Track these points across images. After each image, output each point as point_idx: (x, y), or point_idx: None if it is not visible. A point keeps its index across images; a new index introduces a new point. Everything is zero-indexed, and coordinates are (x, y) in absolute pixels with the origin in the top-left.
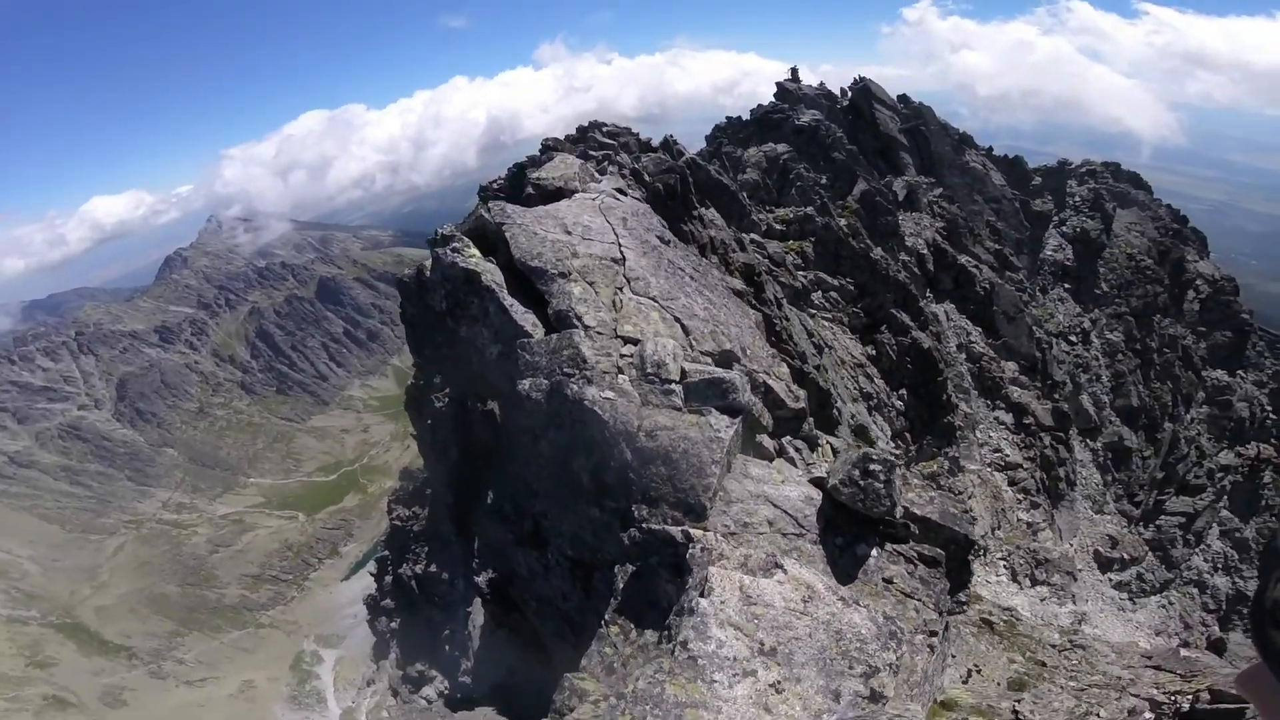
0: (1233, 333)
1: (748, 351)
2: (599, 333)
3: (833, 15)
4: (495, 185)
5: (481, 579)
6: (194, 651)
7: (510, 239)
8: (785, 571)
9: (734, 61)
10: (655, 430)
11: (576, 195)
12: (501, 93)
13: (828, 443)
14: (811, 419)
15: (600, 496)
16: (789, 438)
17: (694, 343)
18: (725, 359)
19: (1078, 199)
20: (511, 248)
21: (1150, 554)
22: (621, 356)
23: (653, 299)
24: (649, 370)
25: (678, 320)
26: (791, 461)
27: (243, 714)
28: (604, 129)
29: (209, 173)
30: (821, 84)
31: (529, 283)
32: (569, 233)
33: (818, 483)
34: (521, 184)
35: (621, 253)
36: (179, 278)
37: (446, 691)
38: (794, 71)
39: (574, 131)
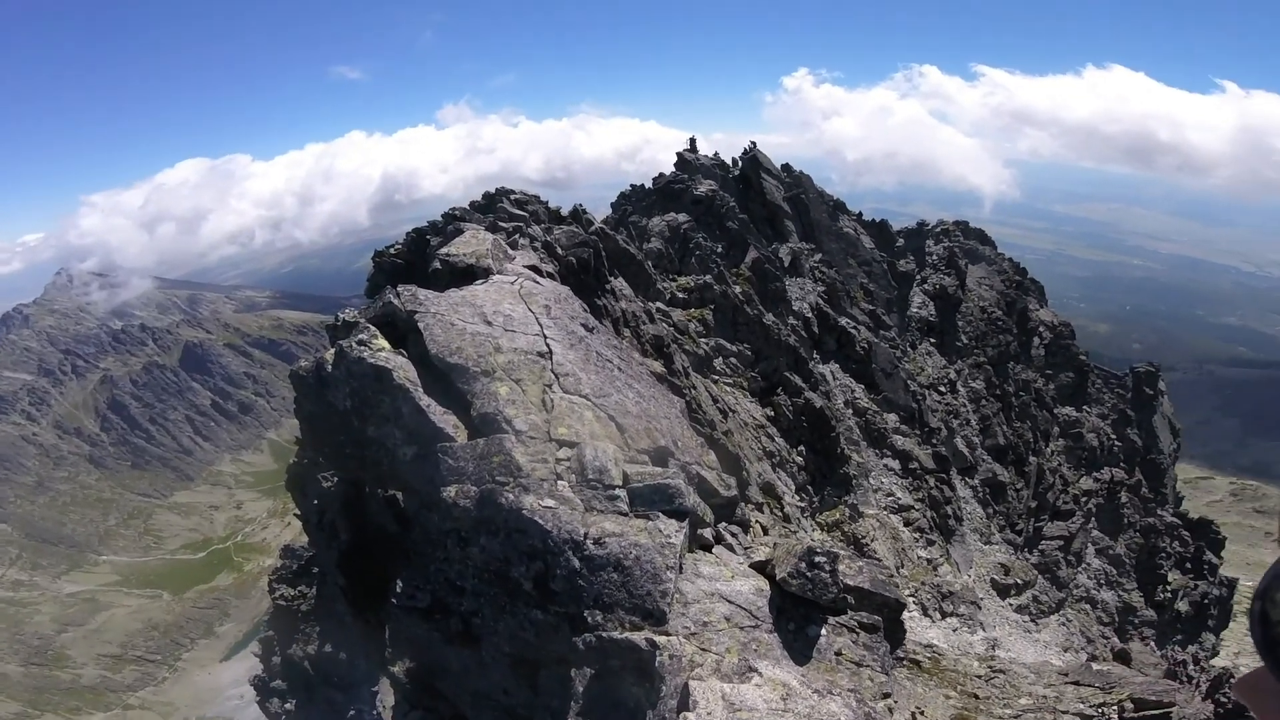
0: (1074, 373)
1: (679, 444)
2: (531, 437)
3: (723, 84)
4: (392, 251)
5: (398, 669)
6: None
7: (425, 330)
8: (760, 674)
9: (636, 129)
10: (603, 537)
11: (493, 278)
12: (400, 150)
13: (756, 521)
14: (743, 504)
15: (545, 601)
16: (724, 524)
17: (630, 441)
18: (660, 455)
19: (935, 257)
20: (427, 342)
21: (1040, 577)
22: (558, 461)
23: (585, 397)
24: (590, 477)
25: (612, 419)
26: (730, 548)
27: None
28: (512, 197)
29: (64, 221)
30: (716, 154)
31: (447, 380)
32: (489, 323)
33: (760, 567)
34: (422, 251)
35: (548, 345)
36: (17, 338)
37: None
38: (692, 142)
39: (480, 198)
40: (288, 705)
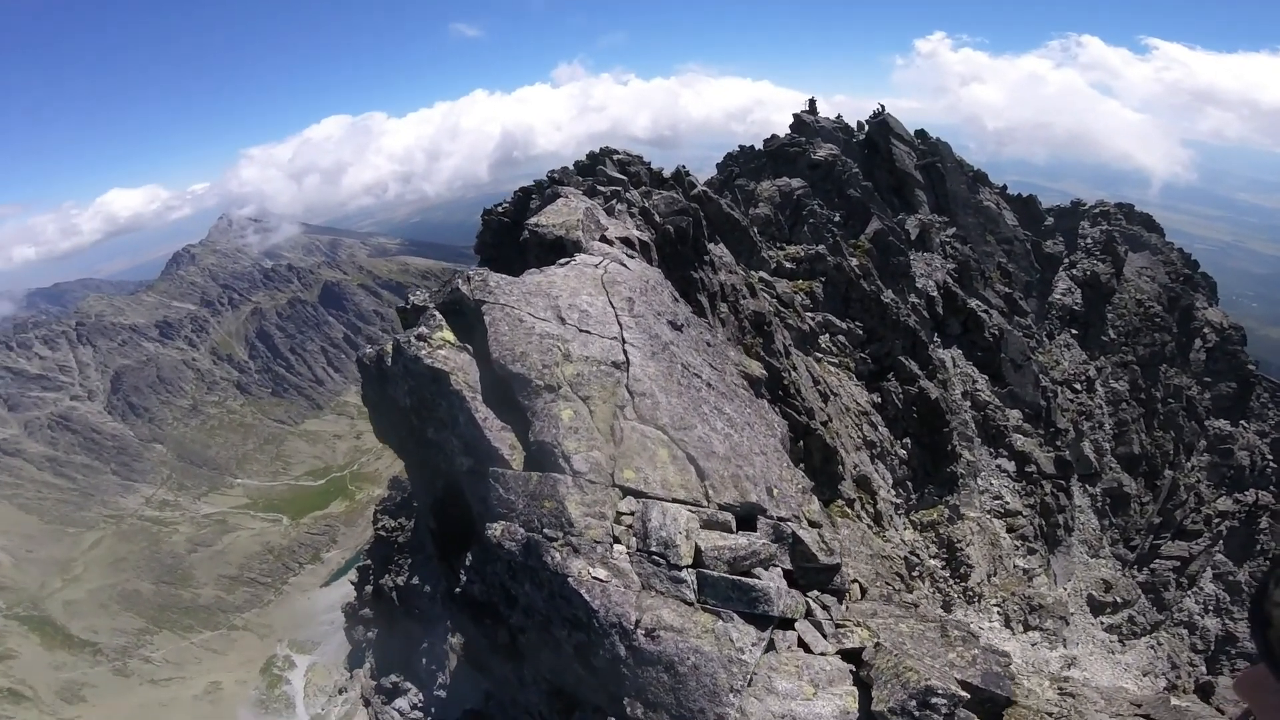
0: (1238, 383)
1: (776, 490)
2: (591, 480)
3: (847, 45)
4: (500, 209)
5: (456, 641)
6: (162, 651)
7: (490, 326)
8: None
9: (748, 89)
10: (657, 630)
11: (577, 260)
12: (518, 108)
13: (855, 582)
14: (841, 574)
15: (585, 664)
16: (816, 592)
17: (712, 492)
18: (749, 512)
19: (1089, 241)
20: (490, 342)
21: (1143, 597)
22: (619, 516)
23: (662, 428)
24: (654, 548)
25: (692, 461)
26: (818, 626)
27: (206, 715)
28: (615, 157)
29: (226, 172)
30: (839, 117)
31: (509, 387)
32: (563, 320)
33: (852, 658)
34: (525, 210)
35: (626, 353)
36: (185, 274)
37: (420, 705)
38: (811, 103)
39: (584, 158)
40: (370, 634)
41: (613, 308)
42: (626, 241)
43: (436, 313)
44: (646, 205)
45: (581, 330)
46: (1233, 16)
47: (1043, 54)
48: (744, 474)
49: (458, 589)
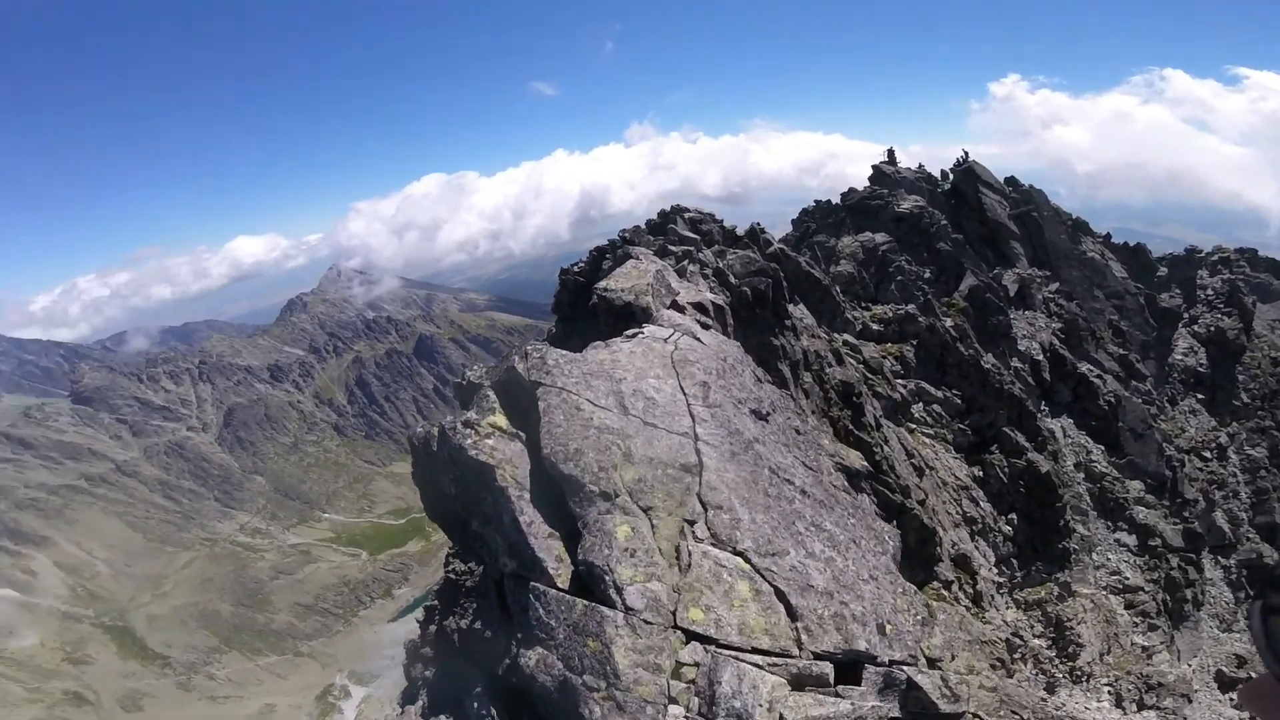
0: None
1: (888, 627)
2: (646, 621)
3: (918, 93)
4: (576, 269)
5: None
6: (228, 670)
7: (544, 415)
8: None
9: (818, 142)
10: None
11: (647, 331)
12: (594, 167)
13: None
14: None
15: None
16: None
17: (806, 636)
18: (853, 660)
19: (1210, 292)
20: (542, 434)
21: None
22: (678, 669)
23: (742, 553)
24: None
25: (782, 598)
26: None
27: None
28: (686, 215)
29: (337, 224)
30: (920, 166)
31: (562, 487)
32: (626, 409)
33: None
34: (599, 270)
35: (698, 453)
36: (297, 320)
37: None
38: (890, 153)
39: (655, 216)
40: (427, 673)
41: (684, 394)
42: (700, 307)
43: (490, 392)
44: (721, 265)
45: (646, 423)
46: None
47: (1126, 90)
48: (849, 611)
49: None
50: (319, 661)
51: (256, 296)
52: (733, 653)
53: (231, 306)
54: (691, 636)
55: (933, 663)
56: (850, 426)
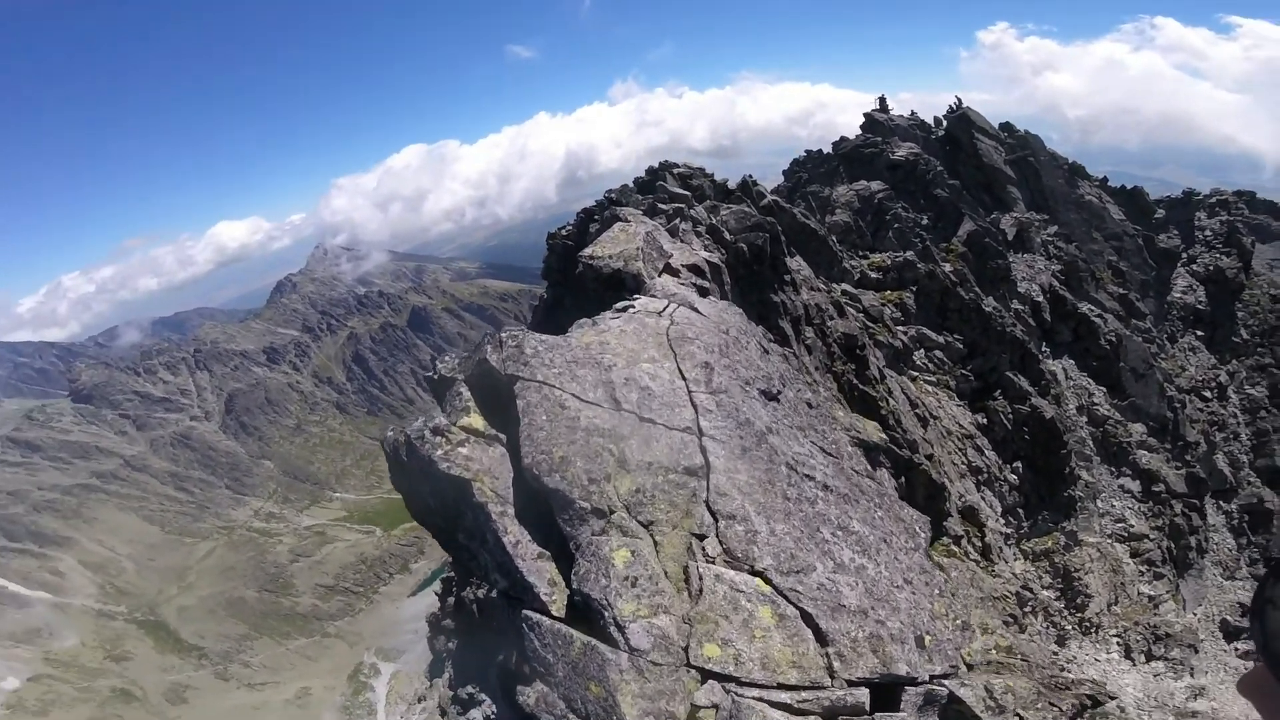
0: None
1: (927, 639)
2: (654, 662)
3: (906, 42)
4: (564, 232)
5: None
6: (261, 656)
7: (524, 415)
8: None
9: (807, 92)
10: None
11: (638, 304)
12: (579, 128)
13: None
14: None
15: None
16: None
17: (839, 662)
18: (891, 684)
19: (1209, 233)
20: (523, 440)
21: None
22: (694, 714)
23: (762, 574)
24: None
25: (810, 621)
26: None
27: (294, 719)
28: (675, 171)
29: (320, 201)
30: (913, 113)
31: (548, 505)
32: (618, 402)
33: None
34: (587, 233)
35: (704, 451)
36: (287, 302)
37: (493, 717)
38: (882, 101)
39: (643, 174)
40: (450, 644)
41: (684, 380)
42: (695, 269)
43: (464, 388)
44: (714, 222)
45: (643, 419)
46: None
47: (1116, 38)
48: (885, 630)
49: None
50: (346, 641)
51: (244, 281)
52: (756, 691)
53: (220, 292)
54: (708, 675)
55: (973, 668)
56: (855, 381)
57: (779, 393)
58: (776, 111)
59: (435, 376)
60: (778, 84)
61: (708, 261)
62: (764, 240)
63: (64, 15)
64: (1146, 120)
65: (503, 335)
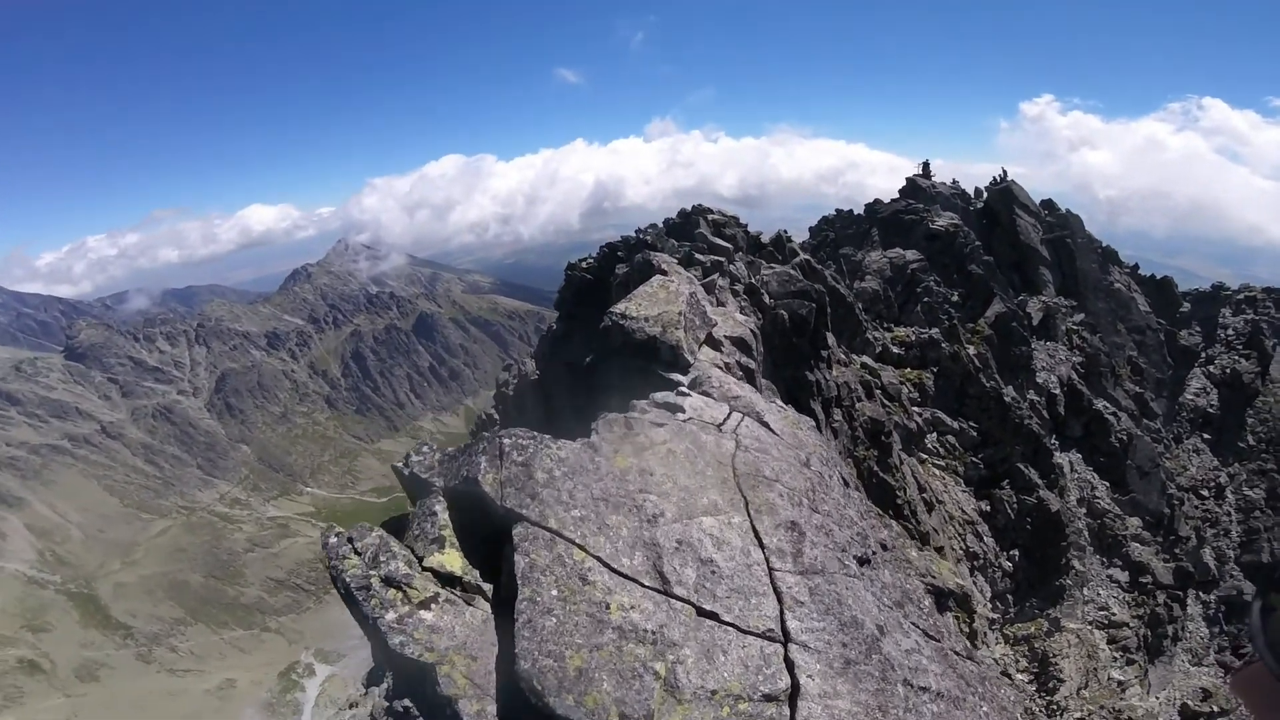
0: None
1: None
2: None
3: (947, 108)
4: (584, 264)
5: None
6: (191, 642)
7: (524, 583)
8: None
9: (840, 150)
10: None
11: (688, 406)
12: (611, 159)
13: None
14: None
15: None
16: None
17: None
18: None
19: (1231, 332)
20: (520, 628)
21: (1241, 707)
22: None
23: None
24: None
25: None
26: None
27: (211, 710)
28: (710, 217)
29: (351, 198)
30: (954, 181)
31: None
32: (666, 581)
33: None
34: (612, 269)
35: (790, 669)
36: (299, 290)
37: None
38: (925, 166)
39: (676, 216)
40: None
41: (761, 548)
42: (740, 344)
43: (439, 505)
44: (754, 281)
45: (703, 611)
46: None
47: (1161, 117)
48: None
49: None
50: (286, 638)
51: (262, 264)
52: None
53: (236, 273)
54: None
55: None
56: (875, 467)
57: (873, 556)
58: (808, 166)
59: (405, 471)
60: (813, 139)
61: (750, 330)
62: (808, 310)
63: None
64: (1177, 206)
65: (505, 443)
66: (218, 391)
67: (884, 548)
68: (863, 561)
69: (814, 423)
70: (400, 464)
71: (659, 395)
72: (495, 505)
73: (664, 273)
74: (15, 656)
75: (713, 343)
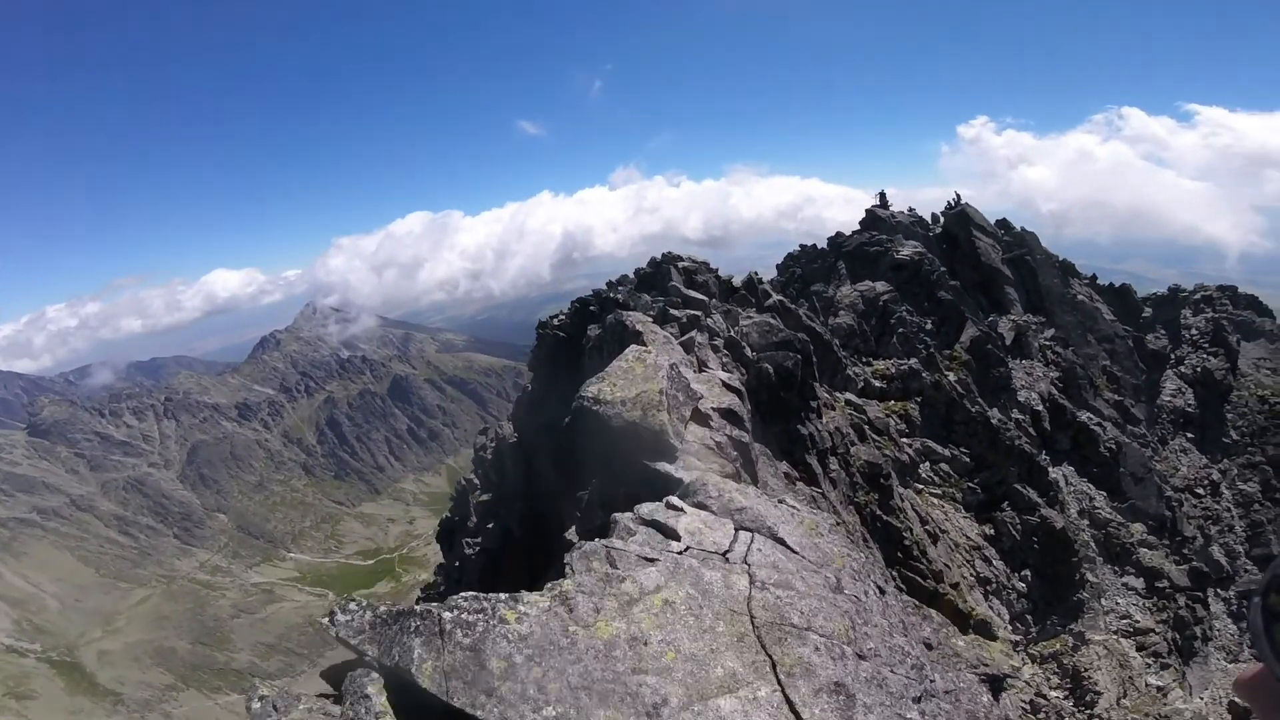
0: None
1: None
2: None
3: (891, 136)
4: (555, 321)
5: None
6: (185, 708)
7: None
8: None
9: (796, 186)
10: None
11: (683, 529)
12: (578, 209)
13: None
14: None
15: None
16: None
17: None
18: None
19: (1195, 332)
20: None
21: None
22: None
23: None
24: None
25: None
26: None
27: None
28: (681, 265)
29: (317, 260)
30: (911, 209)
31: None
32: None
33: None
34: (584, 325)
35: None
36: (269, 359)
37: None
38: (882, 196)
39: (646, 265)
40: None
41: None
42: (729, 415)
43: (373, 688)
44: (734, 334)
45: None
46: (1267, 75)
47: (1087, 129)
48: None
49: None
50: None
51: (229, 332)
52: None
53: (203, 342)
54: None
55: None
56: (878, 511)
57: (933, 685)
58: (767, 204)
59: (332, 632)
60: (769, 177)
61: (735, 390)
62: (794, 362)
63: (85, 42)
64: (1116, 213)
65: (445, 617)
66: (190, 463)
67: (928, 647)
68: (920, 698)
69: (832, 517)
70: (327, 619)
71: (645, 509)
72: (437, 698)
73: (638, 336)
74: None
75: (699, 417)
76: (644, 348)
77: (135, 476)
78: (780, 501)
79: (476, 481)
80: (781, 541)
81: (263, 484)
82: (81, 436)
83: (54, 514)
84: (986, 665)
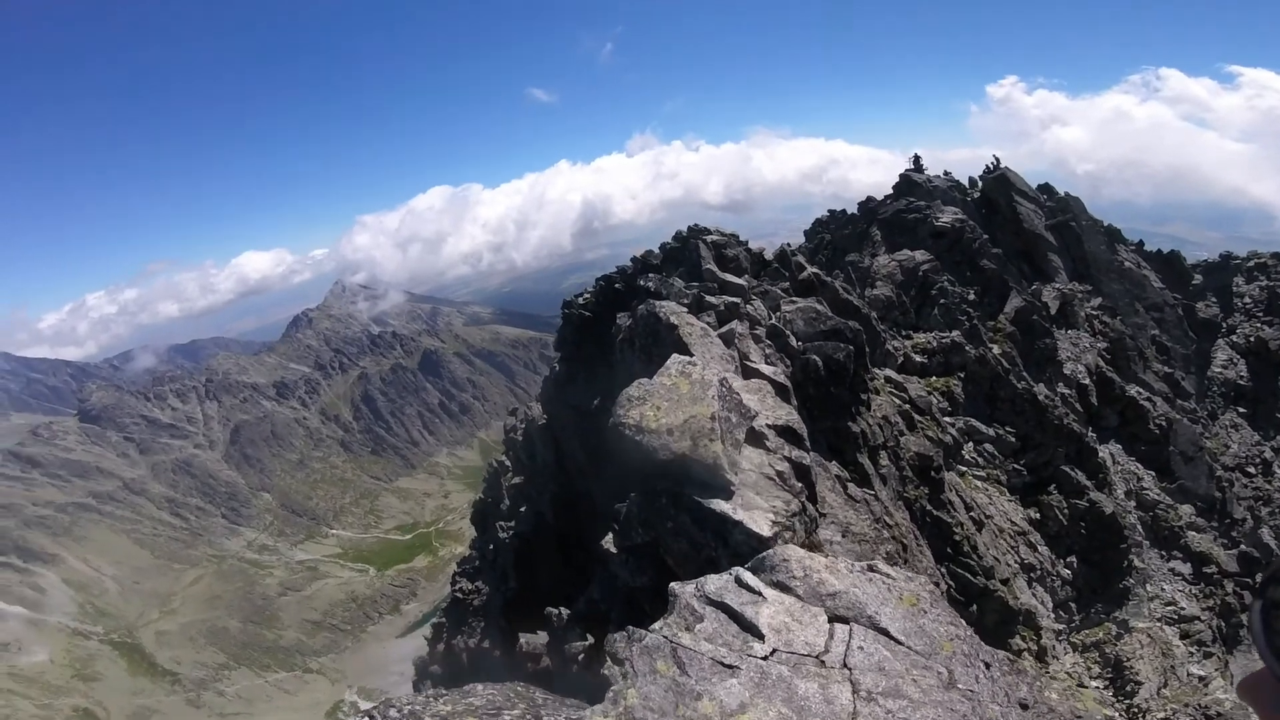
0: None
1: None
2: None
3: (918, 97)
4: (581, 301)
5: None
6: (238, 686)
7: None
8: None
9: (820, 148)
10: None
11: (764, 623)
12: (596, 177)
13: None
14: None
15: None
16: None
17: None
18: None
19: (1248, 300)
20: None
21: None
22: None
23: None
24: None
25: None
26: None
27: None
28: (709, 239)
29: (343, 238)
30: (948, 173)
31: None
32: None
33: None
34: (610, 303)
35: None
36: (302, 337)
37: None
38: (916, 160)
39: (672, 240)
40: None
41: None
42: (787, 433)
43: None
44: (776, 322)
45: None
46: None
47: (1123, 90)
48: None
49: None
50: (328, 678)
51: (262, 312)
52: None
53: (237, 323)
54: None
55: None
56: (928, 505)
57: None
58: (791, 166)
59: None
60: (791, 139)
61: (781, 393)
62: (845, 354)
63: (110, 33)
64: (1155, 174)
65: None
66: (233, 443)
67: (1023, 707)
68: None
69: (930, 582)
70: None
71: (712, 586)
72: None
73: (674, 330)
74: (70, 705)
75: (754, 437)
76: (688, 358)
77: (183, 458)
78: (871, 570)
79: (508, 464)
80: (884, 632)
81: (303, 462)
82: (130, 420)
83: (109, 498)
84: (1080, 716)
